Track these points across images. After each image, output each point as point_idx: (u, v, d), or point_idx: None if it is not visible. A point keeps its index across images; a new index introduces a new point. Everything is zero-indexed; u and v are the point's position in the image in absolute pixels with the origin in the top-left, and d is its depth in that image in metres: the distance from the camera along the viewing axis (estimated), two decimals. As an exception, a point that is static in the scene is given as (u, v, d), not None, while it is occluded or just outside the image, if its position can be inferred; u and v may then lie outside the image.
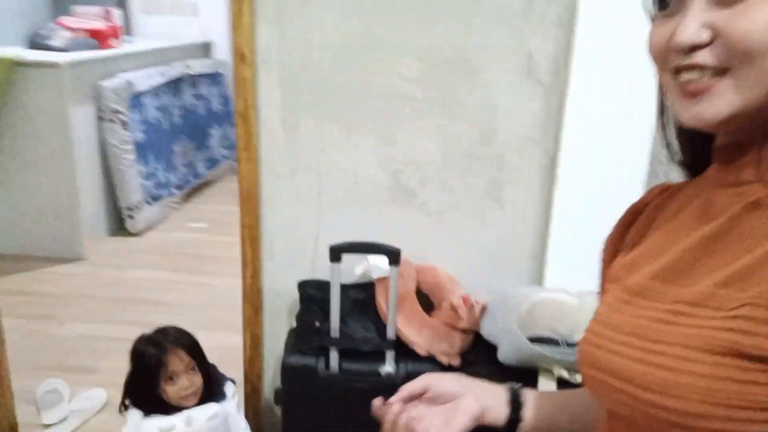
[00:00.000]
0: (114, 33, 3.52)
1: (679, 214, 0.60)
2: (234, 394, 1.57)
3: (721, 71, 0.49)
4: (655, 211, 0.65)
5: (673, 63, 0.52)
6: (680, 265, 0.53)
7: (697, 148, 0.62)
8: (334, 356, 1.49)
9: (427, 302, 1.61)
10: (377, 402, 0.72)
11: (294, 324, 1.70)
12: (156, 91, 3.75)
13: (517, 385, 0.73)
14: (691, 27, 0.49)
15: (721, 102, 0.49)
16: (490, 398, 0.70)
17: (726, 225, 0.52)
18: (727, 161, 0.55)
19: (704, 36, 0.49)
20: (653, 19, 0.56)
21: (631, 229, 0.66)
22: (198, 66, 4.44)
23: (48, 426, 2.00)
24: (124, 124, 3.35)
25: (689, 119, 0.51)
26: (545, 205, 1.62)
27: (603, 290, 0.65)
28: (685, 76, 0.51)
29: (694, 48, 0.50)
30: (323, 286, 1.56)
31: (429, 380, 0.72)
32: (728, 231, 0.51)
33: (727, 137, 0.55)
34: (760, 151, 0.52)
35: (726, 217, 0.52)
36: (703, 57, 0.50)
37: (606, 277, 0.65)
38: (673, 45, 0.51)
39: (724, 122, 0.50)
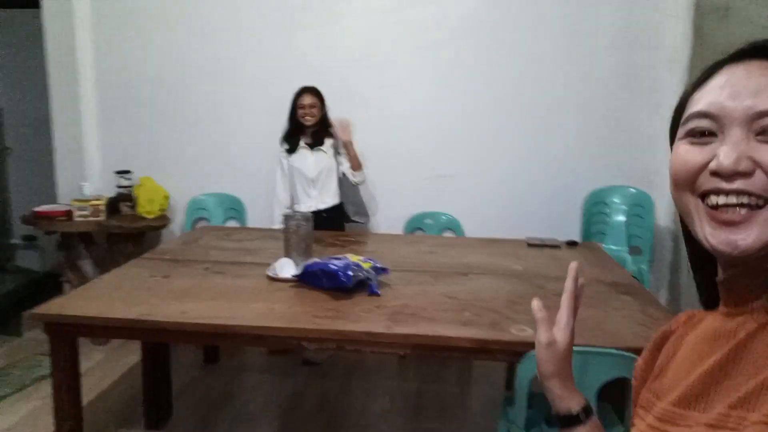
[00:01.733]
0: None
1: (698, 342, 0.63)
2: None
3: (757, 205, 0.54)
4: (679, 339, 0.67)
5: (703, 187, 0.57)
6: (698, 389, 0.56)
7: (709, 284, 0.66)
8: None
9: None
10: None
11: None
12: None
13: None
14: (734, 155, 0.54)
15: (758, 233, 0.54)
16: (571, 384, 0.80)
17: (735, 350, 0.56)
18: (732, 291, 0.60)
19: (745, 165, 0.54)
20: (676, 143, 0.62)
21: (660, 355, 0.69)
22: None
23: None
24: None
25: (721, 245, 0.56)
26: None
27: (634, 414, 0.67)
28: (714, 200, 0.56)
29: (735, 175, 0.54)
30: None
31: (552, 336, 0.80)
32: (738, 355, 0.55)
33: (727, 270, 0.60)
34: (761, 280, 0.57)
35: (735, 342, 0.56)
36: (743, 185, 0.54)
37: (637, 402, 0.68)
38: (717, 169, 0.55)
39: (757, 251, 0.55)
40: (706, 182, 0.57)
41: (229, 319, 1.85)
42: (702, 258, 0.65)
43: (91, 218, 3.58)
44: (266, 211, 3.62)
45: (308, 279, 2.17)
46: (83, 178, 3.84)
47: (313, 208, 3.28)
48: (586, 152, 3.68)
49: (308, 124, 3.31)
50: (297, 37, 3.72)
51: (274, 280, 2.27)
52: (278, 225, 3.33)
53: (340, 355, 3.43)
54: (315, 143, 3.33)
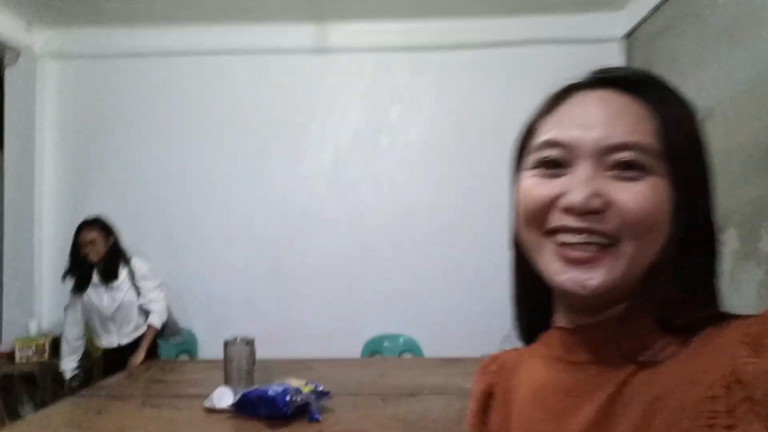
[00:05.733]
0: None
1: (540, 398, 0.58)
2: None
3: (608, 244, 0.51)
4: (506, 392, 0.64)
5: (552, 224, 0.54)
6: None
7: (534, 319, 0.64)
8: None
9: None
10: None
11: None
12: None
13: None
14: (586, 192, 0.51)
15: (607, 273, 0.51)
16: None
17: (607, 404, 0.51)
18: (584, 339, 0.56)
19: (597, 203, 0.51)
20: (524, 174, 0.58)
21: (491, 417, 0.65)
22: None
23: None
24: None
25: (570, 284, 0.52)
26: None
27: None
28: (564, 238, 0.53)
29: (586, 213, 0.51)
30: None
31: None
32: (612, 409, 0.51)
33: (579, 316, 0.56)
34: (617, 330, 0.53)
35: (605, 396, 0.52)
36: (594, 224, 0.51)
37: None
38: (569, 206, 0.52)
39: (607, 291, 0.52)
40: (556, 219, 0.54)
41: (153, 455, 1.73)
42: (533, 295, 0.63)
43: (34, 359, 3.42)
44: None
45: (245, 408, 2.06)
46: (31, 314, 3.73)
47: (115, 344, 3.13)
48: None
49: (92, 261, 3.06)
50: (262, 160, 3.87)
51: (212, 411, 2.15)
52: (67, 367, 3.17)
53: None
54: (107, 278, 3.07)
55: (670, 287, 0.52)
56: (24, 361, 3.39)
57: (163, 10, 3.61)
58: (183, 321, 3.77)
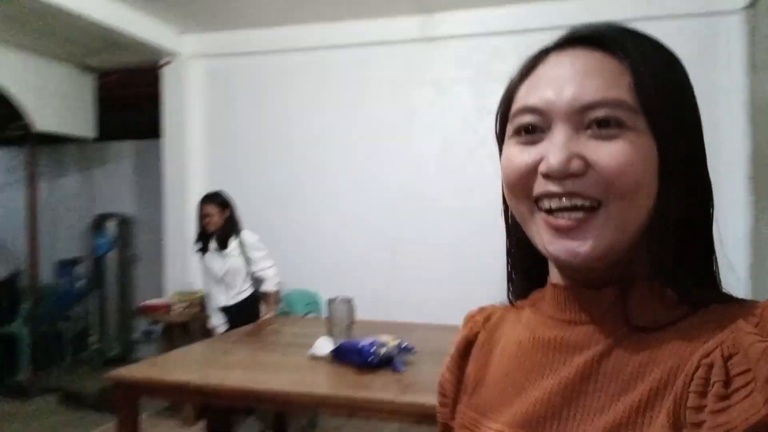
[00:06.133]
0: None
1: (523, 350, 0.57)
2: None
3: (591, 207, 0.49)
4: (488, 342, 0.63)
5: (536, 191, 0.51)
6: (548, 409, 0.51)
7: (530, 277, 0.62)
8: None
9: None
10: None
11: None
12: None
13: None
14: (563, 155, 0.49)
15: (596, 238, 0.49)
16: None
17: (591, 364, 0.51)
18: (575, 298, 0.54)
19: (576, 165, 0.49)
20: (506, 143, 0.55)
21: (469, 363, 0.63)
22: None
23: None
24: None
25: (561, 253, 0.50)
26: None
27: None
28: (548, 204, 0.50)
29: (566, 176, 0.49)
30: None
31: None
32: (595, 369, 0.50)
33: (571, 276, 0.55)
34: (619, 291, 0.52)
35: (590, 354, 0.51)
36: (574, 186, 0.49)
37: (452, 420, 0.63)
38: (547, 171, 0.50)
39: (600, 257, 0.49)
40: (539, 185, 0.51)
41: (251, 382, 2.07)
42: (525, 251, 0.60)
43: (188, 311, 4.03)
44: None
45: (340, 356, 2.33)
46: (189, 275, 4.37)
47: (223, 304, 3.57)
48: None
49: (210, 231, 3.52)
50: (376, 148, 4.16)
51: (314, 358, 2.45)
52: (216, 323, 3.62)
53: None
54: (221, 246, 3.52)
55: (664, 249, 0.50)
56: (180, 311, 4.01)
57: (290, 12, 4.03)
58: (312, 284, 4.20)
